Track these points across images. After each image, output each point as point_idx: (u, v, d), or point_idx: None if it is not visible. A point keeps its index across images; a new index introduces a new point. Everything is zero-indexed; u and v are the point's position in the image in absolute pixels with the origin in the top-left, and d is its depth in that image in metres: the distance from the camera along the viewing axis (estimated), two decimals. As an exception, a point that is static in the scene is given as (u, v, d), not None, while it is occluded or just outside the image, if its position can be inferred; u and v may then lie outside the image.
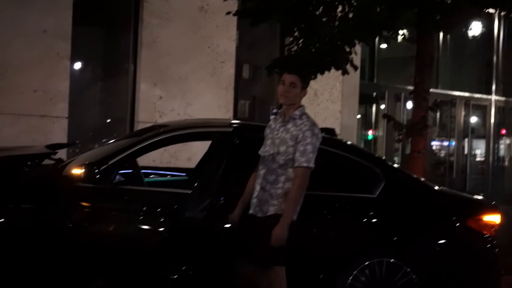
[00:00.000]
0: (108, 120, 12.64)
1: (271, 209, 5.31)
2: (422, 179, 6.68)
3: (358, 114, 15.18)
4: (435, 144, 17.81)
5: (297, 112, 5.43)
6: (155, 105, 12.13)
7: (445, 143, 17.72)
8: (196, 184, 5.98)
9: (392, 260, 5.87)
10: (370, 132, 16.55)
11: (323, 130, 5.86)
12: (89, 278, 5.69)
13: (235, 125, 6.19)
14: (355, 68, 9.77)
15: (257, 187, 5.40)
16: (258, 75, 14.04)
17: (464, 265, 6.13)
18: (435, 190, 6.40)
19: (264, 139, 5.55)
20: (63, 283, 5.67)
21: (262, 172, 5.41)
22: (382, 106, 16.26)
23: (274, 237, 5.16)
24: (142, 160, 10.67)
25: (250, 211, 5.43)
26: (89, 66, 12.48)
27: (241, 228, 5.46)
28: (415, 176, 6.63)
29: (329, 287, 5.84)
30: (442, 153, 17.85)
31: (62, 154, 9.47)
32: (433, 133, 17.39)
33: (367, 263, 5.85)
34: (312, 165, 5.29)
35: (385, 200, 5.98)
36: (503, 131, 18.68)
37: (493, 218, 6.23)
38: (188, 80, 12.49)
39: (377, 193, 6.00)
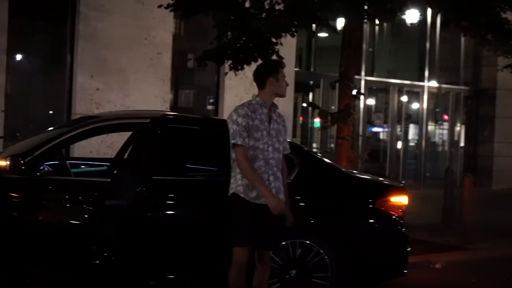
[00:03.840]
0: (46, 112, 12.82)
1: (284, 197, 5.76)
2: (336, 164, 7.09)
3: (297, 102, 15.58)
4: (374, 130, 18.29)
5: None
6: (92, 96, 12.36)
7: (381, 129, 18.23)
8: (115, 173, 6.30)
9: (305, 241, 6.25)
10: (317, 120, 16.94)
11: None
12: (20, 266, 5.97)
13: (154, 117, 6.50)
14: (281, 59, 10.08)
15: (271, 178, 5.67)
16: (196, 64, 14.31)
17: (373, 244, 6.54)
18: (346, 174, 6.82)
19: (248, 129, 5.64)
20: None
21: (271, 162, 5.67)
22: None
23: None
24: (79, 151, 10.93)
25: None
26: (26, 59, 12.63)
27: (246, 218, 5.62)
28: (329, 161, 7.01)
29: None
30: (379, 139, 18.35)
31: (-1, 147, 9.71)
32: (372, 120, 17.92)
33: (282, 243, 6.21)
34: None
35: (299, 185, 6.34)
36: (445, 117, 19.28)
37: (401, 200, 6.66)
38: (126, 71, 12.74)
39: (292, 178, 6.36)
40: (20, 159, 5.80)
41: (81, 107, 12.25)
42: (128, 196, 5.97)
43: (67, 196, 5.99)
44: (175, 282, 6.20)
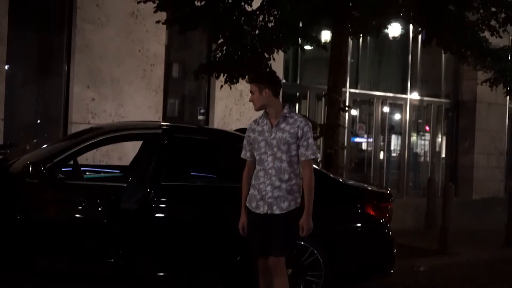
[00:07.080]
0: (43, 121, 13.24)
1: (292, 204, 5.86)
2: (327, 172, 7.63)
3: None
4: (357, 140, 18.78)
5: (285, 111, 5.92)
6: (88, 106, 12.79)
7: (365, 140, 18.72)
8: (130, 179, 6.83)
9: (299, 243, 6.75)
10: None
11: (239, 130, 6.73)
12: (36, 258, 6.51)
13: (164, 127, 7.02)
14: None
15: (267, 188, 5.82)
16: (188, 76, 14.76)
17: (363, 246, 7.10)
18: (339, 181, 7.38)
19: (250, 143, 5.97)
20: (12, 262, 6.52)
21: (270, 172, 5.82)
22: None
23: (307, 227, 5.84)
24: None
25: (264, 211, 5.86)
26: (25, 70, 13.03)
27: (250, 226, 5.95)
28: (321, 170, 7.54)
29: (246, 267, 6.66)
30: (363, 149, 18.85)
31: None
32: (355, 131, 18.43)
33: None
34: (318, 155, 6.07)
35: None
36: (427, 128, 19.87)
37: (388, 205, 7.24)
38: (120, 82, 13.19)
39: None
40: (41, 165, 6.33)
41: (77, 116, 12.67)
42: (140, 200, 6.50)
43: (86, 199, 6.54)
44: (167, 279, 6.77)
